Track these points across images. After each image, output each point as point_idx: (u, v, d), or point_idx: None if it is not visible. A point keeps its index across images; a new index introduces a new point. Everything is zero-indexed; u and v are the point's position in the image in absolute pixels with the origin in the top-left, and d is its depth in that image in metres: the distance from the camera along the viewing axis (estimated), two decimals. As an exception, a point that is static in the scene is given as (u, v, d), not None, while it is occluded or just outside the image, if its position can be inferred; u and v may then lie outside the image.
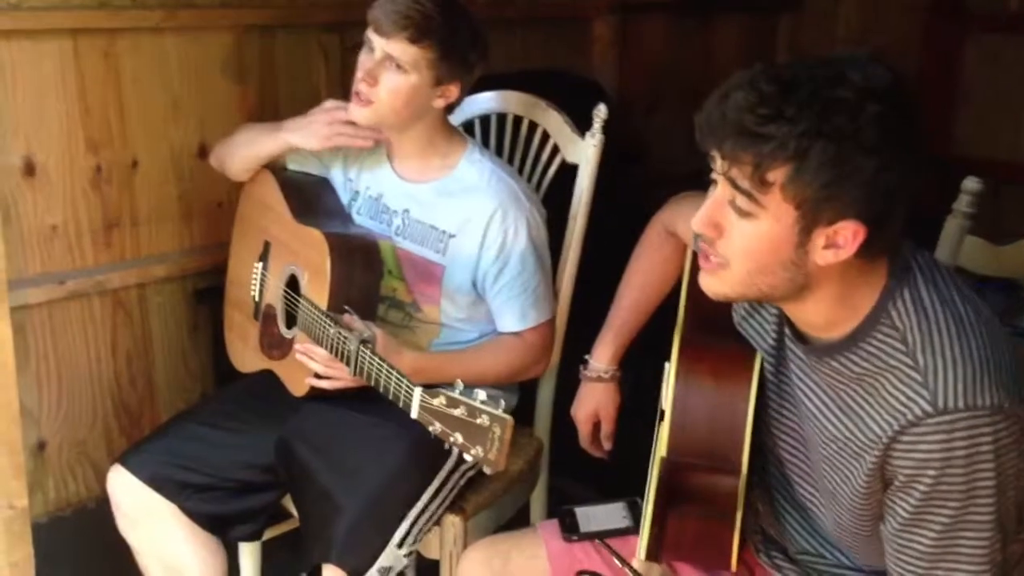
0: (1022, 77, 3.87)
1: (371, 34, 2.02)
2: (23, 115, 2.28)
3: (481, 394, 1.61)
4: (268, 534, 2.22)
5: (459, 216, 2.10)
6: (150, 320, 2.59)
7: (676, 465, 1.59)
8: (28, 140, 2.29)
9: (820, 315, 1.41)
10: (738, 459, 1.56)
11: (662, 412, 1.66)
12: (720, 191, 1.35)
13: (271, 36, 2.66)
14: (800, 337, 1.48)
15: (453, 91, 2.07)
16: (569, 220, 2.30)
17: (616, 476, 2.00)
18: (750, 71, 1.31)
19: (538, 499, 2.38)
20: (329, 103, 2.16)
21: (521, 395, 2.28)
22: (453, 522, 2.06)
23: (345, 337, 1.87)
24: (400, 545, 1.94)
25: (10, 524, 1.92)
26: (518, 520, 2.27)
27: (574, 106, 2.36)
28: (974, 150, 3.94)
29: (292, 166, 2.29)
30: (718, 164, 1.34)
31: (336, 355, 1.90)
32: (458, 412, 1.62)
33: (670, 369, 1.63)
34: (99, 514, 2.23)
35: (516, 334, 2.15)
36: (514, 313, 2.13)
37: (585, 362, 2.02)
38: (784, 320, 1.52)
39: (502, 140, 2.42)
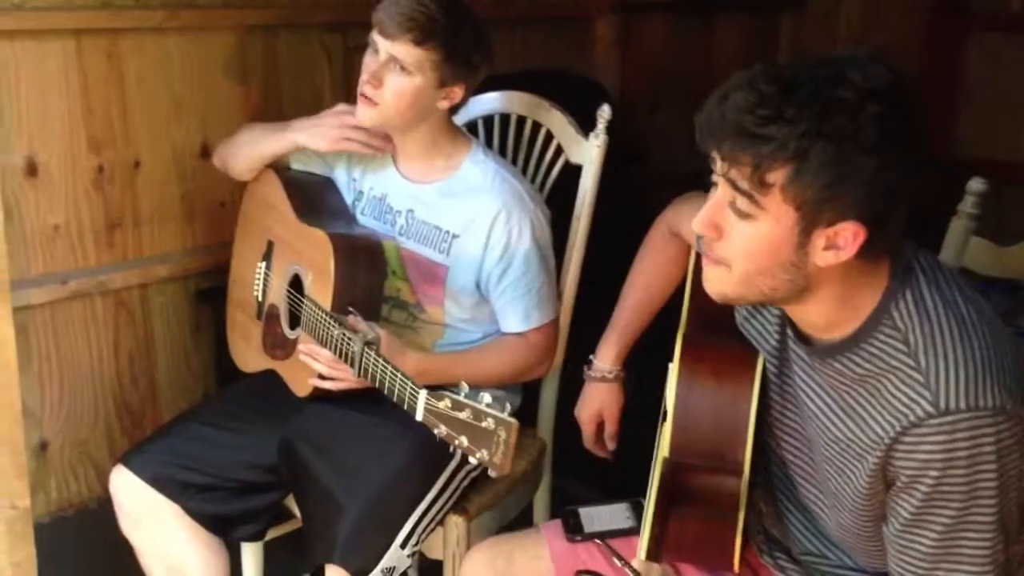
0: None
1: (375, 36, 2.02)
2: (26, 115, 2.27)
3: (486, 396, 1.61)
4: (271, 534, 2.22)
5: (463, 217, 2.10)
6: (152, 320, 2.58)
7: (678, 465, 1.59)
8: (31, 140, 2.29)
9: (822, 316, 1.41)
10: (740, 459, 1.56)
11: (664, 412, 1.66)
12: (720, 193, 1.35)
13: (274, 36, 2.65)
14: (802, 338, 1.48)
15: (457, 92, 2.07)
16: (573, 220, 2.30)
17: (619, 477, 2.00)
18: (750, 72, 1.30)
19: (541, 500, 2.38)
20: (341, 107, 2.16)
21: (524, 396, 2.28)
22: (456, 523, 2.06)
23: (349, 338, 1.87)
24: (403, 546, 1.94)
25: (12, 524, 1.91)
26: (521, 521, 2.27)
27: (576, 106, 2.36)
28: (975, 150, 3.94)
29: (296, 166, 2.29)
30: (718, 165, 1.33)
31: (340, 356, 1.90)
32: (463, 415, 1.62)
33: (672, 369, 1.63)
34: (101, 514, 2.23)
35: (520, 335, 2.15)
36: (518, 314, 2.13)
37: (589, 362, 2.02)
38: (786, 321, 1.52)
39: (506, 140, 2.41)
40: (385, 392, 1.79)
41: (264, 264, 2.24)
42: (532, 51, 3.30)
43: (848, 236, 1.30)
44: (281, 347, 2.16)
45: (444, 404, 1.64)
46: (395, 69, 2.01)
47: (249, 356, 2.29)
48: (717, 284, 1.41)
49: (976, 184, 2.01)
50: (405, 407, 1.73)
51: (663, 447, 1.61)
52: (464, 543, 2.05)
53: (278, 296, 2.18)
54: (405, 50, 1.99)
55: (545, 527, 1.86)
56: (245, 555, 2.30)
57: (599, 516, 1.83)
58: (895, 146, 1.26)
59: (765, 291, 1.38)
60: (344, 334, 1.88)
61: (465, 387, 1.65)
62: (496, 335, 2.18)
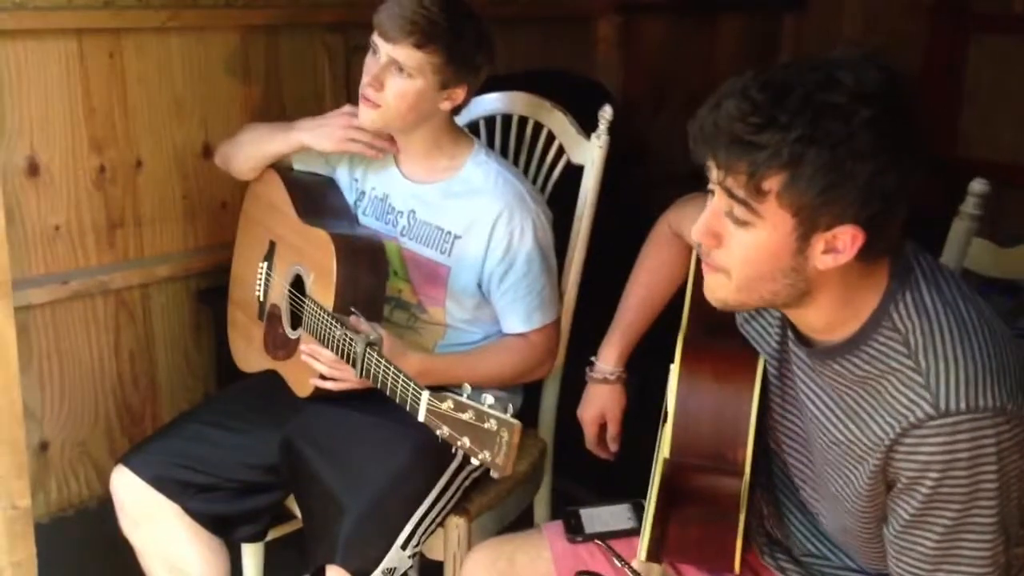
0: (1026, 78, 3.88)
1: (376, 39, 2.02)
2: (27, 115, 2.28)
3: (489, 397, 1.61)
4: (271, 535, 2.22)
5: (465, 217, 2.10)
6: (153, 320, 2.59)
7: (679, 466, 1.59)
8: (32, 140, 2.29)
9: (822, 319, 1.41)
10: (741, 460, 1.56)
11: (665, 414, 1.66)
12: (717, 201, 1.35)
13: (275, 36, 2.66)
14: (803, 340, 1.48)
15: (459, 94, 2.07)
16: (574, 221, 2.29)
17: (620, 478, 2.00)
18: (741, 78, 1.30)
19: (542, 500, 2.38)
20: (347, 108, 2.16)
21: (525, 396, 2.28)
22: (457, 523, 2.06)
23: (351, 339, 1.86)
24: (404, 546, 1.94)
25: (12, 524, 1.91)
26: (522, 522, 2.26)
27: (577, 107, 2.36)
28: (977, 152, 3.94)
29: (298, 166, 2.29)
30: (713, 174, 1.33)
31: (342, 356, 1.90)
32: (466, 416, 1.61)
33: (673, 370, 1.63)
34: (101, 514, 2.23)
35: (521, 335, 2.15)
36: (519, 315, 2.13)
37: (591, 364, 2.02)
38: (787, 323, 1.52)
39: (507, 141, 2.41)
40: (387, 393, 1.79)
41: (266, 264, 2.24)
42: (533, 51, 3.31)
43: (847, 239, 1.30)
44: (282, 347, 2.16)
45: (446, 405, 1.63)
46: (396, 72, 2.01)
47: (250, 356, 2.29)
48: (718, 292, 1.41)
49: (978, 185, 2.00)
50: (407, 408, 1.72)
51: (663, 448, 1.61)
52: (465, 544, 2.05)
53: (280, 296, 2.18)
54: (406, 53, 1.99)
55: (546, 528, 1.86)
56: (246, 555, 2.29)
57: (600, 517, 1.83)
58: (890, 148, 1.26)
59: (766, 296, 1.38)
60: (346, 334, 1.88)
61: (467, 388, 1.65)
62: (497, 336, 2.18)
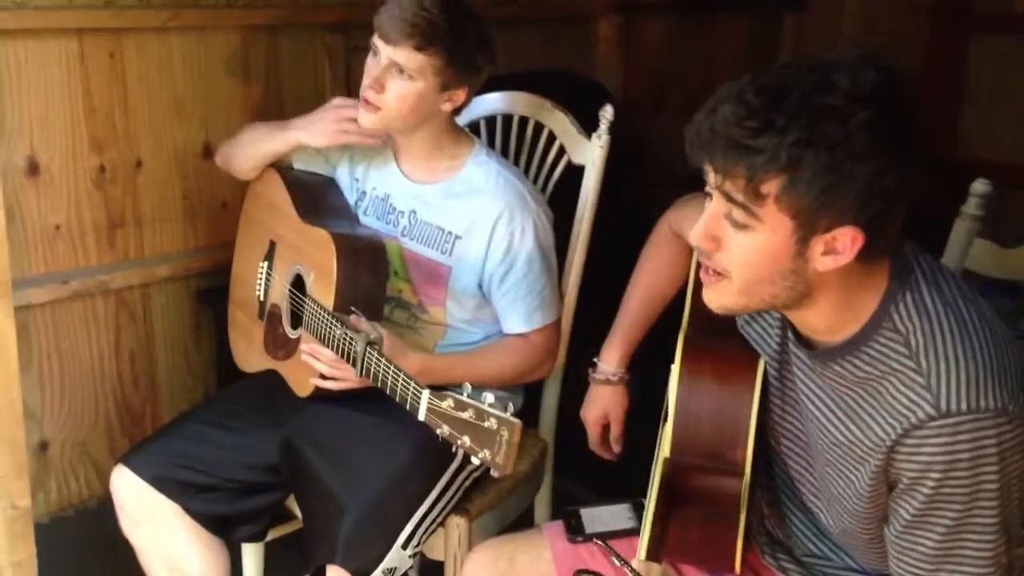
0: (1027, 78, 3.88)
1: (377, 41, 2.02)
2: (28, 114, 2.28)
3: (489, 396, 1.61)
4: (271, 535, 2.21)
5: (466, 218, 2.10)
6: (153, 320, 2.59)
7: (679, 465, 1.59)
8: (32, 139, 2.29)
9: (823, 320, 1.41)
10: (741, 460, 1.56)
11: (665, 414, 1.66)
12: (715, 205, 1.35)
13: (276, 36, 2.66)
14: (803, 341, 1.48)
15: (460, 95, 2.07)
16: (575, 221, 2.29)
17: (620, 478, 2.00)
18: (737, 82, 1.30)
19: (542, 501, 2.38)
20: (336, 100, 2.16)
21: (526, 396, 2.28)
22: (458, 523, 2.06)
23: (352, 338, 1.86)
24: (405, 546, 1.94)
25: (12, 524, 1.91)
26: (522, 522, 2.26)
27: (578, 107, 2.36)
28: (977, 152, 3.94)
29: (298, 165, 2.29)
30: (711, 178, 1.33)
31: (342, 356, 1.90)
32: (466, 415, 1.61)
33: (674, 370, 1.63)
34: (101, 514, 2.23)
35: (522, 336, 2.14)
36: (520, 315, 2.13)
37: (594, 365, 2.01)
38: (787, 325, 1.52)
39: (508, 141, 2.41)
40: (387, 392, 1.79)
41: (266, 264, 2.24)
42: (533, 52, 3.31)
43: (847, 241, 1.30)
44: (283, 347, 2.16)
45: (447, 404, 1.63)
46: (397, 74, 2.01)
47: (250, 356, 2.29)
48: (719, 298, 1.41)
49: (980, 186, 2.00)
50: (407, 407, 1.72)
51: (664, 448, 1.61)
52: (465, 544, 2.05)
53: (280, 296, 2.18)
54: (407, 56, 1.99)
55: (547, 527, 1.86)
56: (246, 555, 2.29)
57: (601, 517, 1.83)
58: (888, 149, 1.26)
59: (766, 299, 1.38)
60: (346, 334, 1.88)
61: (468, 387, 1.65)
62: (498, 336, 2.18)
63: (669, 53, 3.80)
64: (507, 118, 2.42)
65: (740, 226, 1.32)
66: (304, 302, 2.05)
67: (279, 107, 2.66)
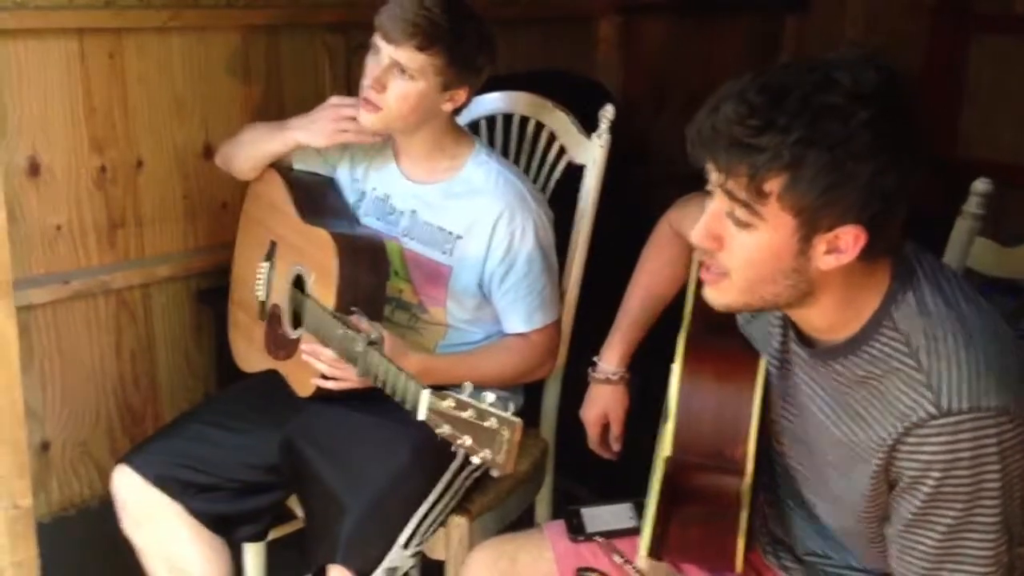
0: (1028, 78, 3.88)
1: (378, 40, 2.02)
2: (28, 114, 2.28)
3: (490, 396, 1.61)
4: (272, 535, 2.21)
5: (466, 218, 2.10)
6: (154, 320, 2.59)
7: (680, 464, 1.59)
8: (33, 140, 2.29)
9: (824, 319, 1.41)
10: (742, 459, 1.56)
11: (666, 413, 1.66)
12: (717, 203, 1.35)
13: (276, 36, 2.66)
14: (804, 340, 1.48)
15: (461, 95, 2.07)
16: (576, 221, 2.29)
17: (621, 478, 2.00)
18: (739, 81, 1.30)
19: (543, 500, 2.38)
20: (334, 99, 2.16)
21: (527, 396, 2.28)
22: (458, 523, 2.06)
23: (352, 338, 1.86)
24: (406, 546, 1.94)
25: (14, 524, 1.91)
26: (523, 522, 2.27)
27: (578, 107, 2.36)
28: (978, 152, 3.94)
29: (299, 165, 2.29)
30: (713, 176, 1.33)
31: (343, 356, 1.90)
32: (466, 415, 1.61)
33: (675, 369, 1.63)
34: (103, 514, 2.23)
35: (522, 335, 2.14)
36: (520, 315, 2.13)
37: (594, 364, 2.01)
38: (788, 324, 1.52)
39: (508, 140, 2.41)
40: (388, 392, 1.79)
41: (267, 264, 2.24)
42: (534, 52, 3.31)
43: (849, 239, 1.30)
44: (283, 347, 2.16)
45: (447, 404, 1.63)
46: (398, 74, 2.01)
47: (251, 356, 2.29)
48: (721, 297, 1.41)
49: (981, 185, 2.00)
50: (407, 407, 1.72)
51: (665, 447, 1.61)
52: (466, 543, 2.05)
53: (281, 296, 2.18)
54: (408, 55, 1.98)
55: (548, 527, 1.86)
56: (247, 555, 2.29)
57: (602, 516, 1.83)
58: (890, 148, 1.26)
59: (768, 298, 1.38)
60: (347, 334, 1.88)
61: (469, 387, 1.64)
62: (498, 336, 2.18)
63: (670, 54, 3.80)
64: (507, 118, 2.42)
65: (742, 224, 1.32)
66: (305, 302, 2.05)
67: (279, 107, 2.66)
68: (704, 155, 1.32)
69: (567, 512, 1.85)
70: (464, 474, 2.02)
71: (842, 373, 1.41)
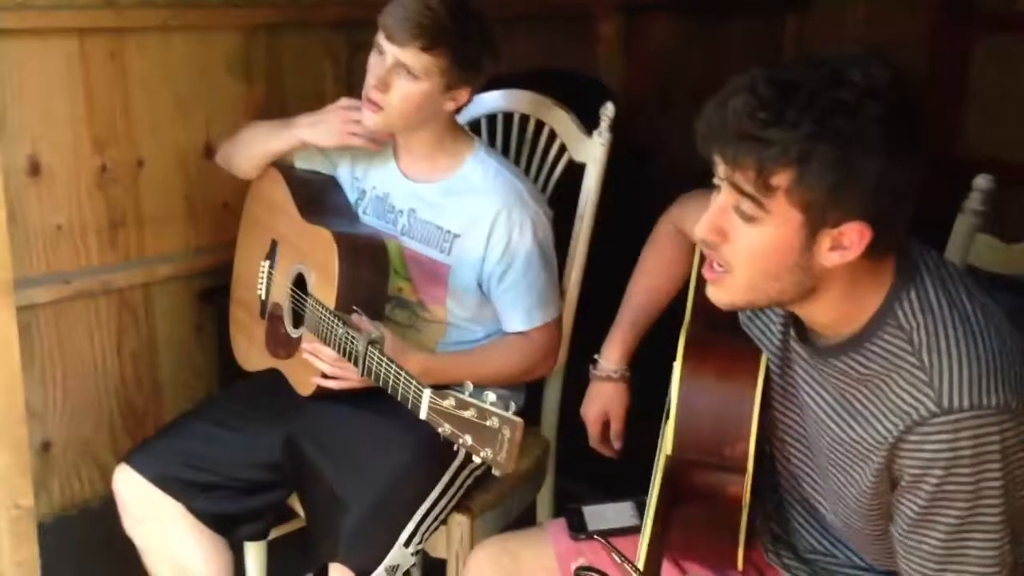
0: (1030, 78, 3.88)
1: (382, 40, 2.01)
2: (29, 114, 2.27)
3: (491, 395, 1.61)
4: (274, 533, 2.22)
5: (464, 216, 2.10)
6: (155, 320, 2.58)
7: (681, 463, 1.58)
8: (34, 139, 2.29)
9: (827, 315, 1.41)
10: (743, 457, 1.56)
11: (667, 411, 1.66)
12: (723, 197, 1.35)
13: (277, 35, 2.65)
14: (806, 338, 1.48)
15: (463, 95, 2.07)
16: (576, 219, 2.29)
17: (623, 476, 2.00)
18: (749, 75, 1.30)
19: (544, 499, 2.38)
20: (343, 101, 2.15)
21: (528, 395, 2.28)
22: (460, 521, 2.06)
23: (353, 337, 1.86)
24: (407, 544, 1.94)
25: (15, 524, 1.91)
26: (524, 519, 2.27)
27: (579, 106, 2.36)
28: (981, 150, 3.93)
29: (300, 164, 2.29)
30: (720, 169, 1.33)
31: (344, 355, 1.90)
32: (468, 414, 1.61)
33: (676, 367, 1.62)
34: (104, 514, 2.23)
35: (523, 334, 2.14)
36: (520, 313, 2.13)
37: (595, 362, 2.01)
38: (789, 322, 1.52)
39: (509, 139, 2.41)
40: (389, 391, 1.79)
41: (268, 263, 2.24)
42: (535, 51, 3.31)
43: (854, 236, 1.30)
44: (284, 346, 2.16)
45: (448, 403, 1.64)
46: (402, 74, 2.00)
47: (252, 355, 2.29)
48: (724, 295, 1.41)
49: (982, 181, 2.00)
50: (409, 406, 1.73)
51: (666, 445, 1.60)
52: (468, 541, 2.05)
53: (282, 295, 2.18)
54: (413, 56, 1.98)
55: (549, 525, 1.86)
56: (248, 554, 2.29)
57: (603, 514, 1.83)
58: (900, 145, 1.26)
59: (772, 295, 1.38)
60: (348, 333, 1.88)
61: (470, 386, 1.65)
62: (499, 334, 2.18)
63: (671, 53, 3.80)
64: (508, 116, 2.42)
65: (748, 218, 1.32)
66: (306, 301, 2.05)
67: (281, 106, 2.65)
68: (712, 147, 1.32)
69: (568, 510, 1.85)
70: (465, 473, 2.02)
71: (844, 371, 1.41)
